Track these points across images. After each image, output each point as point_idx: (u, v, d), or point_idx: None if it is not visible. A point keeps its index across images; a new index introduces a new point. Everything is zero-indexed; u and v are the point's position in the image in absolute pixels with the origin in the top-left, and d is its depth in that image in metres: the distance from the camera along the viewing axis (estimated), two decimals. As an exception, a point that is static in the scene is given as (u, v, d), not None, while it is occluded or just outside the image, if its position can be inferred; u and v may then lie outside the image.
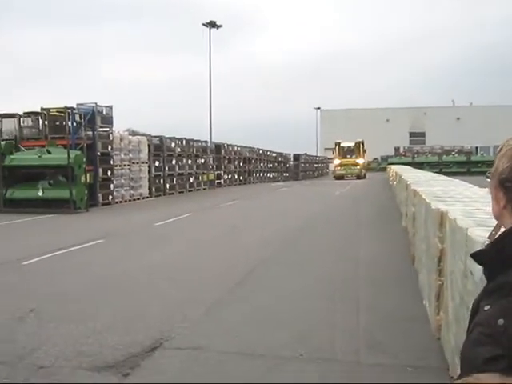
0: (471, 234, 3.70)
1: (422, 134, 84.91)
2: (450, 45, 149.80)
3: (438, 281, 5.41)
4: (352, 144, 56.51)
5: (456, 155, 65.49)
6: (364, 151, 55.87)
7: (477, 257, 1.53)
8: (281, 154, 59.98)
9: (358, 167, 54.35)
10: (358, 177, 52.20)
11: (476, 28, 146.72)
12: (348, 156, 55.60)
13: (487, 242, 1.57)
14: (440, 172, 40.20)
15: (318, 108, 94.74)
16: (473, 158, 64.01)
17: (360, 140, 55.57)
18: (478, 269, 1.56)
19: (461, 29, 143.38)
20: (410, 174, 18.26)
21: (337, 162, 55.73)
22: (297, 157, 63.16)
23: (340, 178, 51.98)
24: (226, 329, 6.13)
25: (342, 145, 56.76)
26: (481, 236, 3.47)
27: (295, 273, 9.14)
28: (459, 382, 1.00)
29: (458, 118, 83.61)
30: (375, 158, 74.44)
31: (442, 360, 4.88)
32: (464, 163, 62.36)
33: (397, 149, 72.07)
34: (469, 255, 3.32)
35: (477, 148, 68.80)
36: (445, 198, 7.18)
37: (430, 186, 10.41)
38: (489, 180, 1.52)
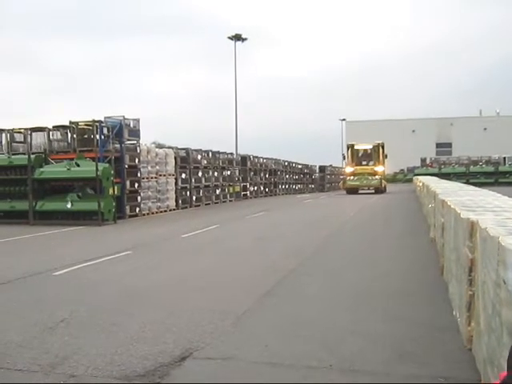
0: (503, 242, 3.67)
1: (449, 145, 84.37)
2: (477, 54, 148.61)
3: (469, 291, 5.35)
4: (369, 147, 45.40)
5: (483, 166, 64.80)
6: (384, 157, 44.32)
7: None
8: (306, 166, 59.99)
9: (377, 177, 43.00)
10: (376, 190, 42.24)
11: (503, 37, 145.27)
12: (364, 163, 44.36)
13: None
14: (467, 182, 39.83)
15: (344, 119, 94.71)
16: (500, 169, 63.28)
17: (379, 142, 44.53)
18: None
19: (488, 38, 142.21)
20: (437, 185, 18.12)
21: (349, 170, 44.52)
22: (322, 168, 63.10)
23: (353, 191, 42.66)
24: (255, 339, 6.14)
25: (356, 147, 45.36)
26: (513, 244, 3.45)
27: (323, 284, 9.12)
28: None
29: (485, 128, 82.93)
30: (401, 169, 74.04)
31: (473, 370, 4.83)
32: (491, 174, 61.70)
33: (423, 160, 71.57)
34: (501, 264, 3.30)
35: (504, 158, 68.02)
36: (474, 207, 7.11)
37: (458, 195, 10.31)
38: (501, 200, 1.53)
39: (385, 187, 43.67)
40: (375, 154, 44.40)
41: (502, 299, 3.57)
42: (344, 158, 47.25)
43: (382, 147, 44.24)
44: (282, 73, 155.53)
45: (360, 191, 43.36)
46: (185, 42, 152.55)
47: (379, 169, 43.59)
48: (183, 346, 5.82)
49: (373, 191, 42.38)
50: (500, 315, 3.65)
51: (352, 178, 43.62)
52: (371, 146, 45.19)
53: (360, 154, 45.26)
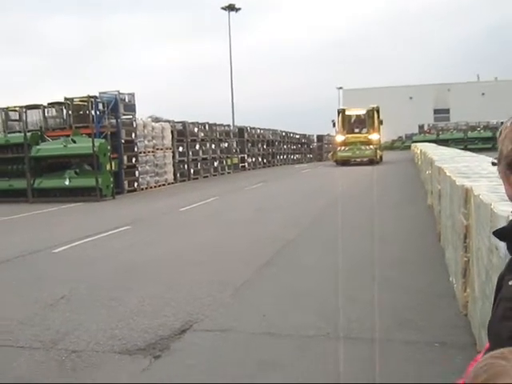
0: (495, 209, 3.69)
1: (447, 111, 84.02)
2: (475, 18, 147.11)
3: (464, 257, 5.40)
4: (362, 112, 40.20)
5: (481, 131, 64.53)
6: (380, 123, 39.46)
7: (499, 234, 1.55)
8: (304, 136, 59.79)
9: (371, 147, 37.87)
10: (371, 161, 37.13)
11: (501, 1, 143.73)
12: (356, 130, 39.33)
13: (511, 217, 1.59)
14: (465, 148, 39.74)
15: (340, 88, 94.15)
16: (498, 134, 63.10)
17: (373, 106, 39.56)
18: (503, 244, 1.58)
19: (486, 2, 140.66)
20: (434, 151, 18.12)
21: (340, 138, 38.93)
22: (320, 138, 62.87)
23: (344, 162, 37.68)
24: (254, 310, 6.20)
25: (347, 113, 40.02)
26: (505, 211, 3.47)
27: (321, 254, 9.17)
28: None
29: (483, 94, 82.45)
30: (399, 137, 73.92)
31: (469, 335, 4.90)
32: (489, 139, 61.36)
33: (421, 126, 71.31)
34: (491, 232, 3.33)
35: (502, 123, 67.74)
36: (470, 174, 7.14)
37: (454, 162, 10.33)
38: (495, 166, 1.54)
39: (380, 157, 39.28)
40: (369, 120, 39.22)
41: (495, 265, 3.60)
42: (334, 125, 40.57)
43: (377, 112, 39.12)
44: (276, 42, 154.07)
45: (351, 162, 38.22)
46: (179, 15, 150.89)
47: (374, 137, 38.49)
48: (183, 319, 5.88)
49: (366, 161, 37.55)
50: (493, 282, 3.68)
51: (343, 148, 38.21)
52: (365, 111, 39.85)
53: (352, 121, 39.86)
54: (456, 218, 6.12)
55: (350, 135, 38.62)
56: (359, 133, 39.07)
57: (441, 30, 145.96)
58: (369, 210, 13.74)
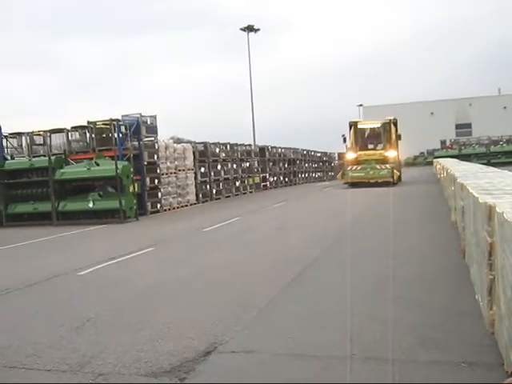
0: (519, 227, 3.68)
1: (468, 126, 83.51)
2: (496, 32, 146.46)
3: (490, 275, 5.35)
4: (377, 125, 35.63)
5: (504, 145, 64.06)
6: (397, 137, 35.11)
7: None
8: (325, 154, 59.83)
9: (388, 165, 32.81)
10: (387, 182, 31.72)
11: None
12: (371, 146, 34.72)
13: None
14: (488, 163, 39.42)
15: (361, 105, 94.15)
16: (522, 147, 62.50)
17: (390, 118, 35.20)
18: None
19: (506, 15, 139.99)
20: (457, 167, 18.02)
21: (351, 156, 34.56)
22: (341, 155, 62.73)
23: (354, 183, 32.87)
24: (279, 331, 6.19)
25: (360, 126, 35.56)
26: (528, 229, 3.46)
27: (345, 272, 9.14)
28: None
29: (505, 107, 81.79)
30: (421, 152, 73.61)
31: (496, 354, 4.84)
32: (513, 153, 60.93)
33: (443, 142, 71.09)
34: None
35: (525, 136, 67.24)
36: (492, 190, 7.09)
37: (477, 178, 10.26)
38: None
39: (399, 178, 34.25)
40: (385, 134, 34.63)
41: (520, 284, 3.58)
42: (344, 140, 35.46)
43: (395, 125, 34.70)
44: (296, 61, 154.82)
45: (365, 183, 32.63)
46: (199, 36, 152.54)
47: (391, 154, 33.74)
48: (207, 341, 5.90)
49: (382, 183, 31.94)
50: (518, 300, 3.66)
51: (354, 167, 33.40)
52: (379, 124, 35.24)
53: (366, 135, 35.32)
54: (480, 235, 6.08)
55: (362, 152, 34.20)
56: (374, 149, 34.53)
57: (460, 44, 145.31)
58: (391, 228, 13.68)
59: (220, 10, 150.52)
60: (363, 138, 35.10)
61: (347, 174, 33.63)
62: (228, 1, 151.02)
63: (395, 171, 32.86)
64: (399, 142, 35.58)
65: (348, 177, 33.53)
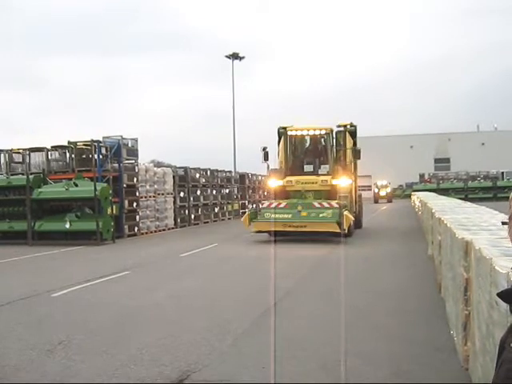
0: (495, 264, 3.71)
1: (447, 160, 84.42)
2: (474, 69, 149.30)
3: (465, 310, 5.38)
4: (320, 132, 21.51)
5: (482, 181, 64.88)
6: (355, 155, 22.11)
7: (503, 295, 1.58)
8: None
9: (335, 203, 19.01)
10: (334, 231, 18.08)
11: (501, 52, 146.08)
12: (308, 168, 21.33)
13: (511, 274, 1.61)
14: (466, 198, 39.84)
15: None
16: (499, 184, 63.32)
17: (345, 124, 22.18)
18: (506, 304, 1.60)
19: (485, 52, 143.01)
20: (434, 202, 18.17)
21: (273, 183, 21.21)
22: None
23: (270, 232, 19.39)
24: (253, 360, 6.14)
25: (291, 133, 21.52)
26: (505, 267, 3.48)
27: (319, 302, 9.13)
28: None
29: (483, 143, 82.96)
30: (400, 185, 74.17)
31: (470, 391, 4.85)
32: (490, 189, 61.71)
33: (422, 175, 71.70)
34: (493, 286, 3.34)
35: (503, 173, 68.08)
36: (470, 226, 7.16)
37: (455, 213, 10.36)
38: (506, 226, 1.57)
39: (356, 224, 21.53)
40: (335, 149, 21.92)
41: (495, 320, 3.60)
42: (266, 157, 21.51)
43: (351, 135, 22.29)
44: (280, 88, 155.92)
45: (290, 234, 19.67)
46: (182, 61, 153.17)
47: (342, 182, 20.56)
48: (180, 369, 5.83)
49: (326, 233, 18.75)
50: (493, 336, 3.67)
51: (274, 204, 19.91)
52: (323, 131, 21.52)
53: (302, 149, 22.47)
54: (456, 270, 6.11)
55: (294, 178, 21.03)
56: (313, 173, 21.15)
57: (442, 82, 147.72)
58: (368, 261, 13.70)
59: (207, 36, 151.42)
60: (297, 155, 22.20)
61: (261, 216, 19.78)
62: (216, 26, 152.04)
63: (346, 213, 18.53)
64: (357, 162, 23.00)
65: (259, 223, 19.59)
